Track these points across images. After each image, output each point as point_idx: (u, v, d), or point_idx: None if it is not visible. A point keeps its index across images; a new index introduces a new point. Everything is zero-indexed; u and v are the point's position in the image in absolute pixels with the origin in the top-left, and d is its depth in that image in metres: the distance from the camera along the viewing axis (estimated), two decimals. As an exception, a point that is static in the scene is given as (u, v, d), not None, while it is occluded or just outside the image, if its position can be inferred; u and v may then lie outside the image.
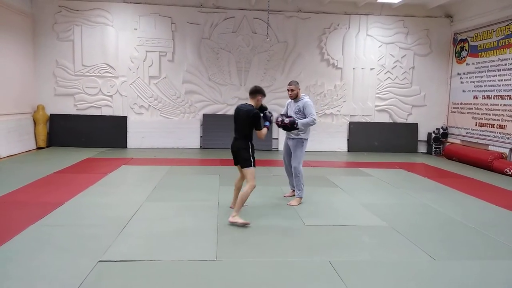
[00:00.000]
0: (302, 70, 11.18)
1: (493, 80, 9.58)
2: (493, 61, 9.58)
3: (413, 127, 11.62)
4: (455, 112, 11.12)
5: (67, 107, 10.59)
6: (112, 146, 10.61)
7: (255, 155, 4.75)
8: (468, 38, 10.57)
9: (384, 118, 11.57)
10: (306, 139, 5.65)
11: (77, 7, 10.37)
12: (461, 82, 10.84)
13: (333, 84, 11.35)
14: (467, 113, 10.55)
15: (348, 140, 11.46)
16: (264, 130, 4.78)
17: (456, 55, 11.08)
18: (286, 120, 5.41)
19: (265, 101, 12.01)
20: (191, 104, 11.02)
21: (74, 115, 10.58)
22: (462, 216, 5.25)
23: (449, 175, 8.36)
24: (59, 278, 3.23)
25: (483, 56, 9.97)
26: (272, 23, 10.71)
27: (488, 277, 3.52)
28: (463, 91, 10.74)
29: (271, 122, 4.95)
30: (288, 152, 5.82)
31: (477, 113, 10.15)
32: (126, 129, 10.79)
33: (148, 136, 10.83)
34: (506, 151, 9.05)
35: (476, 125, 10.16)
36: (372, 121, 11.52)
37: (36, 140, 10.21)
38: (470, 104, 10.45)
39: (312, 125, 5.55)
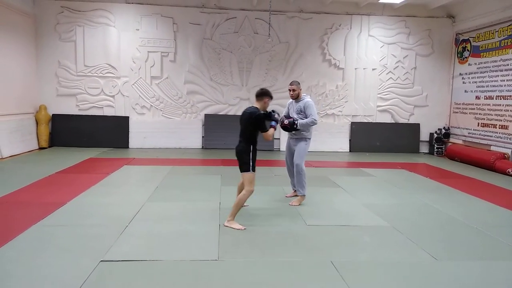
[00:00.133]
0: (304, 70, 11.18)
1: (495, 81, 9.56)
2: (495, 61, 9.56)
3: (415, 127, 11.60)
4: (457, 112, 11.10)
5: (69, 107, 10.61)
6: (114, 146, 10.63)
7: (256, 159, 4.65)
8: (470, 38, 10.55)
9: (386, 119, 11.56)
10: (309, 139, 5.64)
11: (79, 7, 10.40)
12: (463, 83, 10.82)
13: (335, 85, 11.34)
14: (469, 113, 10.53)
15: (350, 140, 11.45)
16: (271, 131, 4.71)
17: (458, 55, 11.07)
18: (286, 121, 5.43)
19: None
20: (193, 104, 11.04)
21: (76, 115, 10.61)
22: (464, 216, 5.24)
23: (451, 175, 8.35)
24: (61, 278, 3.23)
25: (485, 57, 9.95)
26: (274, 23, 10.71)
27: (490, 277, 3.52)
28: (465, 91, 10.72)
29: (277, 121, 4.89)
30: (290, 153, 5.80)
31: (479, 114, 10.13)
32: (128, 129, 10.81)
33: (150, 136, 10.85)
34: (508, 151, 9.02)
35: (478, 126, 10.14)
36: (374, 121, 11.51)
37: (38, 140, 10.24)
38: (472, 104, 10.43)
39: (313, 125, 5.54)
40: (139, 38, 10.65)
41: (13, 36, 9.38)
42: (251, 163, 4.58)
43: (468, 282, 3.41)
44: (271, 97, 4.79)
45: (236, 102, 11.11)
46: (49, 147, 10.40)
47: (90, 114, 10.69)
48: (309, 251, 3.95)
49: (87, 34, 10.48)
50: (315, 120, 5.47)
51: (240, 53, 10.97)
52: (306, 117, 5.49)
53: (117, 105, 10.80)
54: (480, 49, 10.14)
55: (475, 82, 10.34)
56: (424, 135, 11.65)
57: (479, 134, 10.08)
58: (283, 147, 10.07)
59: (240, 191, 4.93)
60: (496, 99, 9.54)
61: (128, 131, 10.81)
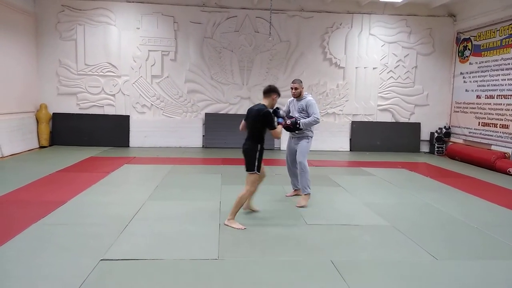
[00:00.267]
0: (304, 69, 11.16)
1: (496, 80, 9.55)
2: (496, 60, 9.54)
3: (416, 126, 11.59)
4: (458, 111, 11.09)
5: (70, 106, 10.62)
6: (114, 145, 10.63)
7: (262, 159, 4.57)
8: (471, 37, 10.53)
9: (386, 118, 11.55)
10: (311, 137, 5.61)
11: (80, 6, 10.39)
12: (464, 82, 10.81)
13: (336, 83, 11.33)
14: (470, 112, 10.52)
15: (350, 139, 11.44)
16: (279, 128, 4.66)
17: (459, 54, 11.05)
18: (288, 121, 5.38)
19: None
20: (193, 103, 11.03)
21: (76, 114, 10.61)
22: (464, 216, 5.23)
23: (451, 174, 8.34)
24: (61, 277, 3.23)
25: (486, 56, 9.93)
26: (275, 22, 10.69)
27: (490, 277, 3.51)
28: (466, 90, 10.71)
29: (284, 118, 4.84)
30: (292, 152, 5.77)
31: (480, 113, 10.12)
32: (129, 128, 10.81)
33: (150, 135, 10.85)
34: (509, 150, 9.01)
35: (479, 125, 10.13)
36: (375, 120, 11.50)
37: (38, 139, 10.24)
38: (473, 103, 10.41)
39: (315, 124, 5.52)
40: (140, 37, 10.64)
41: (13, 35, 9.38)
42: (256, 163, 4.52)
43: (469, 282, 3.40)
44: (279, 94, 4.73)
45: (237, 101, 11.10)
46: (50, 146, 10.40)
47: (90, 113, 10.69)
48: (310, 251, 3.94)
49: (87, 33, 10.47)
50: (318, 118, 5.44)
51: (241, 52, 10.96)
52: (308, 116, 5.46)
53: (117, 104, 10.80)
54: (481, 48, 10.12)
55: (476, 81, 10.32)
56: (424, 135, 11.63)
57: (480, 134, 10.07)
58: (283, 146, 10.09)
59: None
60: (497, 98, 9.52)
61: (129, 130, 10.81)
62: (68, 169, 7.55)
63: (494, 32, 9.63)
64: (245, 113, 4.80)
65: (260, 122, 4.52)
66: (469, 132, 10.50)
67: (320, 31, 11.12)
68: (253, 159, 4.52)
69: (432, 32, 11.31)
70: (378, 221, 4.93)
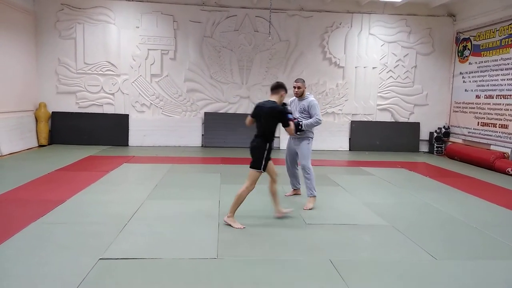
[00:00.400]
0: (304, 68, 11.16)
1: (495, 80, 9.55)
2: (496, 60, 9.54)
3: (415, 126, 11.59)
4: (457, 111, 11.10)
5: (69, 105, 10.60)
6: (113, 144, 10.62)
7: (269, 158, 4.52)
8: (470, 37, 10.53)
9: (386, 117, 11.55)
10: (312, 138, 5.56)
11: (79, 5, 10.38)
12: (464, 81, 10.81)
13: (335, 83, 11.33)
14: (469, 112, 10.52)
15: (349, 139, 11.45)
16: (292, 124, 4.62)
17: (459, 54, 11.05)
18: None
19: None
20: (192, 102, 11.02)
21: (76, 113, 10.60)
22: (464, 216, 5.23)
23: (450, 174, 8.34)
24: (60, 276, 3.23)
25: (485, 56, 9.93)
26: (274, 21, 10.69)
27: (489, 277, 3.51)
28: (466, 90, 10.71)
29: (292, 114, 4.79)
30: (291, 152, 5.74)
31: (479, 113, 10.12)
32: (128, 127, 10.80)
33: (149, 134, 10.84)
34: (508, 150, 9.02)
35: (478, 125, 10.13)
36: (374, 120, 11.50)
37: (37, 137, 10.22)
38: (472, 103, 10.42)
39: (317, 125, 5.48)
40: (139, 35, 10.63)
41: (13, 34, 9.36)
42: (263, 162, 4.47)
43: (468, 282, 3.40)
44: (286, 91, 4.69)
45: (236, 100, 11.08)
46: (49, 144, 10.39)
47: (89, 112, 10.68)
48: (309, 250, 3.94)
49: (87, 31, 10.45)
50: (320, 120, 5.40)
51: (240, 51, 10.95)
52: (310, 117, 5.42)
53: (117, 103, 10.79)
54: (481, 48, 10.12)
55: (475, 81, 10.33)
56: (424, 134, 11.64)
57: (479, 133, 10.07)
58: (282, 145, 10.07)
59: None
60: (496, 98, 9.53)
61: (128, 129, 10.80)
62: (67, 168, 7.54)
63: (493, 32, 9.64)
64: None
65: (275, 118, 4.48)
66: (468, 132, 10.51)
67: (320, 30, 11.12)
68: (260, 157, 4.47)
69: (431, 32, 11.31)
70: (377, 221, 4.93)
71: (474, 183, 7.52)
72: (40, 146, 10.19)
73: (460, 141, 10.85)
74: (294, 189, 5.97)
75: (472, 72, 10.47)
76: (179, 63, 10.86)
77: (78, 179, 6.53)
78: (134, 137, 10.82)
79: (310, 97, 5.55)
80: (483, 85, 10.02)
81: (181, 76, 10.90)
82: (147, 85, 10.81)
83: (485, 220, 5.09)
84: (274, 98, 4.61)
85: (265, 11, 10.39)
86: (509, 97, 9.12)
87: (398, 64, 11.38)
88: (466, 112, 10.66)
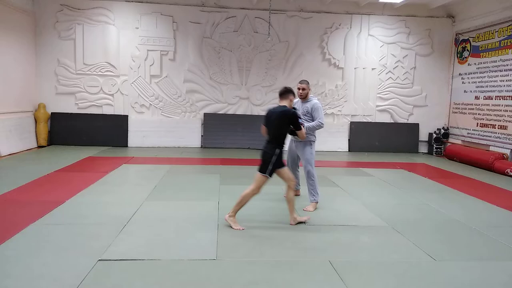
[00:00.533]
0: (303, 69, 11.16)
1: (494, 81, 9.56)
2: (495, 61, 9.55)
3: (414, 127, 11.60)
4: (456, 112, 11.11)
5: (68, 106, 10.60)
6: (113, 145, 10.62)
7: (278, 166, 4.49)
8: (470, 38, 10.55)
9: (385, 118, 11.56)
10: (314, 141, 5.54)
11: (78, 5, 10.38)
12: (463, 83, 10.82)
13: (335, 84, 11.34)
14: (469, 113, 10.53)
15: (349, 140, 11.45)
16: (303, 128, 4.69)
17: (458, 55, 11.06)
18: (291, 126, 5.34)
19: (266, 101, 11.94)
20: (192, 103, 11.02)
21: (75, 113, 10.59)
22: (463, 217, 5.24)
23: (450, 175, 8.35)
24: (59, 277, 3.22)
25: (484, 57, 9.95)
26: (274, 22, 10.70)
27: (489, 278, 3.51)
28: (465, 91, 10.72)
29: (301, 118, 4.85)
30: (293, 155, 5.73)
31: (478, 114, 10.13)
32: (127, 128, 10.79)
33: (149, 135, 10.84)
34: (507, 151, 9.03)
35: (477, 126, 10.14)
36: (373, 121, 11.51)
37: (37, 138, 10.22)
38: (472, 104, 10.43)
39: (319, 129, 5.47)
40: (139, 36, 10.63)
41: (12, 34, 9.36)
42: (270, 167, 4.46)
43: (467, 283, 3.40)
44: (294, 95, 4.76)
45: (236, 101, 11.08)
46: (48, 145, 10.38)
47: (89, 112, 10.68)
48: (308, 251, 3.94)
49: (86, 32, 10.45)
50: (322, 124, 5.37)
51: (239, 52, 10.96)
52: (312, 119, 5.40)
53: (116, 104, 10.78)
54: (480, 49, 10.13)
55: (474, 82, 10.34)
56: (423, 135, 11.65)
57: (478, 134, 10.08)
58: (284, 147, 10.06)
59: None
60: (495, 99, 9.54)
61: (127, 130, 10.79)
62: (66, 169, 7.54)
63: (492, 33, 9.65)
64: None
65: (289, 123, 4.53)
66: (468, 133, 10.52)
67: (319, 31, 11.13)
68: (267, 162, 4.47)
69: (431, 33, 11.33)
70: (377, 222, 4.93)
71: (473, 184, 7.53)
72: (40, 147, 10.19)
73: (459, 142, 10.86)
74: (294, 190, 5.95)
75: (471, 73, 10.48)
76: (179, 64, 10.86)
77: (77, 180, 6.52)
78: (134, 138, 10.81)
79: (314, 100, 5.50)
80: (482, 86, 10.03)
81: (181, 77, 10.90)
82: (146, 86, 10.81)
83: (484, 221, 5.09)
84: (284, 103, 4.62)
85: (265, 12, 10.39)
86: (508, 98, 9.13)
87: (398, 65, 11.39)
88: (465, 113, 10.67)
